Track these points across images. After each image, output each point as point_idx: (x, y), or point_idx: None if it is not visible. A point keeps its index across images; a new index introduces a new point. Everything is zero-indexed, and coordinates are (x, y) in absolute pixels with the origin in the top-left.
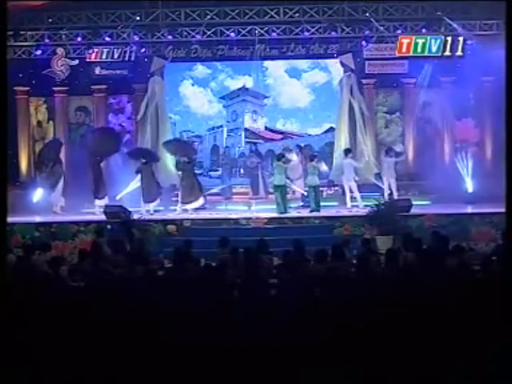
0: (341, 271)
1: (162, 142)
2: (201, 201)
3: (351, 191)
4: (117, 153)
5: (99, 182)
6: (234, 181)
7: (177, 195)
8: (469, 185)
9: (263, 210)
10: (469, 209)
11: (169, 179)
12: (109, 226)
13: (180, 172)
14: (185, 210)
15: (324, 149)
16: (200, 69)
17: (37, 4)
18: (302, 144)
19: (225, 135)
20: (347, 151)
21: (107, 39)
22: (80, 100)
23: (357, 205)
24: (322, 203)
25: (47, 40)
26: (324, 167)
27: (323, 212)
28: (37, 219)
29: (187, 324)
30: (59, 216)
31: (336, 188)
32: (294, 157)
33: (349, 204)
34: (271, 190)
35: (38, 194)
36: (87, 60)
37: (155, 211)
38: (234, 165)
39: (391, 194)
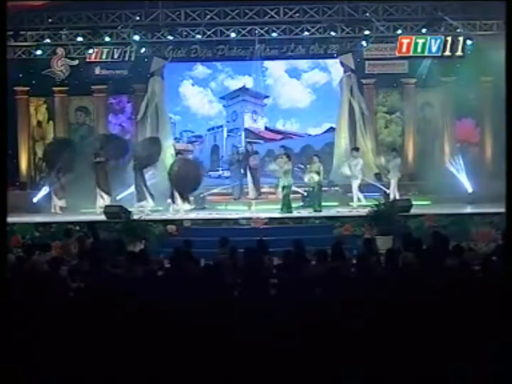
0: (341, 271)
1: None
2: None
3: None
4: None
5: (103, 183)
6: (243, 181)
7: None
8: (469, 185)
9: (263, 210)
10: (469, 209)
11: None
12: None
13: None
14: (177, 211)
15: (324, 149)
16: (200, 69)
17: (37, 4)
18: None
19: (225, 135)
20: (355, 150)
21: (107, 39)
22: (80, 100)
23: (363, 206)
24: (323, 203)
25: (47, 40)
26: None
27: (323, 212)
28: (37, 219)
29: (187, 324)
30: (59, 216)
31: (336, 188)
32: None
33: (356, 203)
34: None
35: (39, 194)
36: (87, 60)
37: (154, 211)
38: (244, 165)
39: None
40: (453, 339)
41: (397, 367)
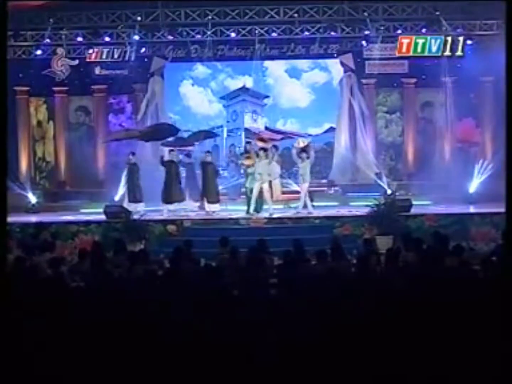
0: (341, 271)
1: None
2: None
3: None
4: None
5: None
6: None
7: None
8: (470, 185)
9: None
10: (470, 209)
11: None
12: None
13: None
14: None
15: (324, 149)
16: (200, 69)
17: (37, 4)
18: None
19: (225, 135)
20: None
21: (107, 39)
22: (80, 100)
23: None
24: (323, 203)
25: (47, 40)
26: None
27: (323, 212)
28: (36, 219)
29: (187, 324)
30: (58, 216)
31: (336, 188)
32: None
33: None
34: None
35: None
36: (87, 60)
37: (152, 211)
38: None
39: (391, 194)
40: (452, 339)
41: (397, 367)
